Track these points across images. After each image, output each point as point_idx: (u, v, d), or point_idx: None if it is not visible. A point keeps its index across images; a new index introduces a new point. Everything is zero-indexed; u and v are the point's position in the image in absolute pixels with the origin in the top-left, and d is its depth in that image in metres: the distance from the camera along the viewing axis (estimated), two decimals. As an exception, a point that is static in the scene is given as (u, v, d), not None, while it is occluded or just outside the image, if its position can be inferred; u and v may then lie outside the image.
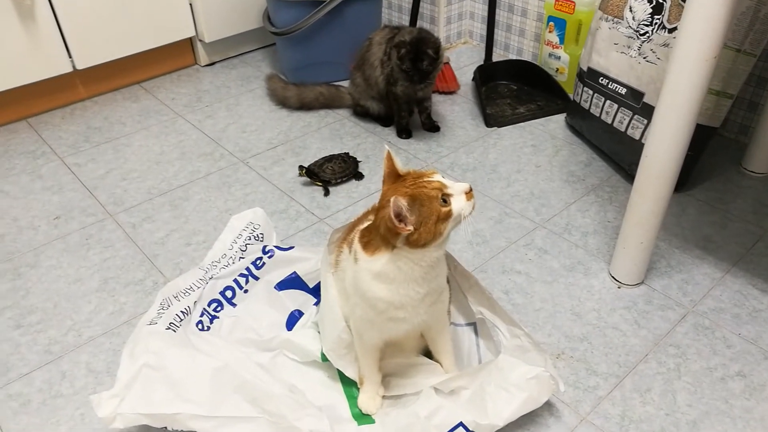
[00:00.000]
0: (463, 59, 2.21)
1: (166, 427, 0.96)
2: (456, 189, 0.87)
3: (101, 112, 1.95)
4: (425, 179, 0.87)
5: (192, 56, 2.20)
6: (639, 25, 1.48)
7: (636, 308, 1.24)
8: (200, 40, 2.13)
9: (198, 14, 2.06)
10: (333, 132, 1.83)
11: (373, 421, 1.02)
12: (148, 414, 0.94)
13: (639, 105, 1.51)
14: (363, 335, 0.98)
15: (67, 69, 1.88)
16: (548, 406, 1.05)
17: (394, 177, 0.90)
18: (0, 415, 1.07)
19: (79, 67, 1.90)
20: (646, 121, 1.49)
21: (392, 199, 0.81)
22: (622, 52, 1.54)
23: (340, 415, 1.04)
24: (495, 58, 2.04)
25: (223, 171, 1.67)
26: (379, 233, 0.87)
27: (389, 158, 0.90)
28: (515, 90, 2.01)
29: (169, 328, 1.05)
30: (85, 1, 1.82)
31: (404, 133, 1.79)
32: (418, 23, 2.18)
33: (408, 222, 0.83)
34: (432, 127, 1.81)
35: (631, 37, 1.50)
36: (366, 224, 0.93)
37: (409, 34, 1.64)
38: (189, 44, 2.17)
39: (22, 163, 1.72)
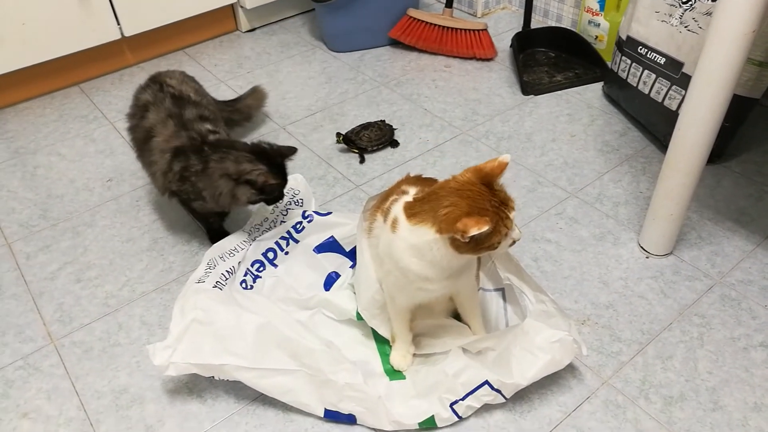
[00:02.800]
0: (501, 25, 2.20)
1: (213, 377, 1.06)
2: (515, 233, 0.91)
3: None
4: (508, 212, 0.89)
5: (233, 22, 2.25)
6: (681, -7, 1.46)
7: (663, 278, 1.26)
8: (241, 6, 2.17)
9: (239, -19, 2.10)
10: (370, 99, 1.87)
11: (403, 377, 1.09)
12: (197, 364, 1.03)
13: (678, 75, 1.49)
14: (395, 298, 1.04)
15: (116, 36, 1.96)
16: (571, 369, 1.10)
17: (483, 178, 0.89)
18: (66, 360, 1.18)
19: (127, 34, 1.97)
20: (684, 92, 1.48)
21: (482, 229, 0.82)
22: (663, 21, 1.52)
23: (373, 369, 1.11)
24: (534, 24, 2.03)
25: (264, 137, 1.73)
26: (436, 212, 0.88)
27: (501, 167, 0.89)
28: (553, 57, 2.00)
29: (216, 286, 1.14)
30: (132, -31, 1.88)
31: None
32: (457, -12, 2.17)
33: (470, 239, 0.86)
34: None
35: (674, 5, 1.48)
36: (413, 194, 0.96)
37: (250, 162, 1.20)
38: (231, 10, 2.21)
39: (76, 127, 1.82)
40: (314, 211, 1.31)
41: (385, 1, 2.01)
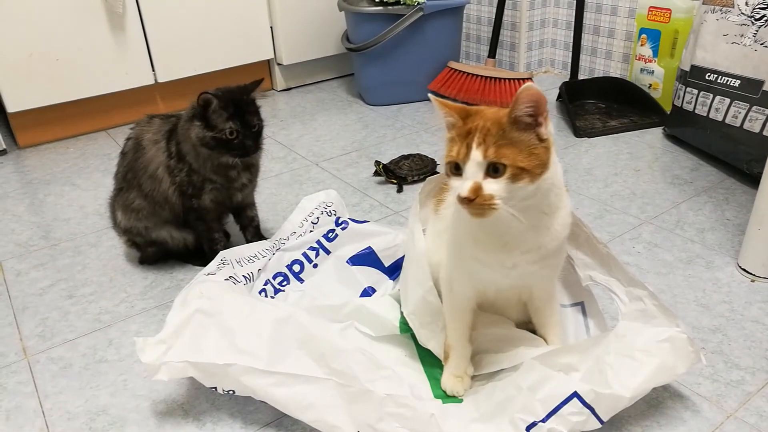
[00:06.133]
0: (545, 84, 2.11)
1: (215, 388, 0.82)
2: None
3: (178, 126, 1.95)
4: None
5: (269, 81, 2.21)
6: (754, 9, 1.35)
7: (779, 301, 1.02)
8: (278, 64, 2.14)
9: (278, 37, 2.08)
10: (409, 141, 1.74)
11: (460, 400, 0.84)
12: (197, 363, 0.80)
13: (758, 95, 1.34)
14: (453, 284, 0.82)
15: (149, 81, 1.91)
16: (681, 398, 0.84)
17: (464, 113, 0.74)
18: (38, 377, 0.95)
19: (161, 80, 1.92)
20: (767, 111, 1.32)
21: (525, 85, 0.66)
22: (733, 42, 1.40)
23: (420, 395, 0.86)
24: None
25: (295, 171, 1.59)
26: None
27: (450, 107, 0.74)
28: (604, 107, 1.87)
29: (228, 281, 0.93)
30: (173, 14, 1.87)
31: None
32: (498, 51, 2.12)
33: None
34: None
35: (745, 24, 1.37)
36: None
37: (207, 93, 1.05)
38: (267, 68, 2.18)
39: (96, 163, 1.71)
40: (350, 218, 1.13)
41: (425, 53, 1.95)
